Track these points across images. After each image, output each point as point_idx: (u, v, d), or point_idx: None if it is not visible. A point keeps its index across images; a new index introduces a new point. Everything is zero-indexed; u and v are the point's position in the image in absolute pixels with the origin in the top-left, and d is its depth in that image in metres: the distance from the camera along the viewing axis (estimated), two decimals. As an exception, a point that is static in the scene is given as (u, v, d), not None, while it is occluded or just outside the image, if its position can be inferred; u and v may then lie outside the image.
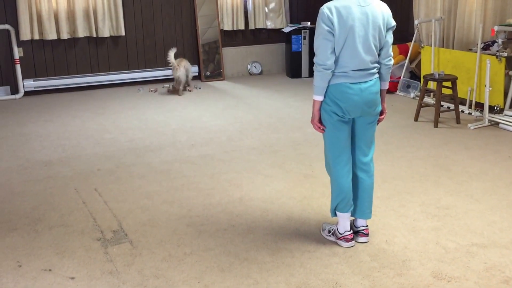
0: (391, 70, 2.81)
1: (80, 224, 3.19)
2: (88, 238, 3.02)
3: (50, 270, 2.69)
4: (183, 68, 6.70)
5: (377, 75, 2.72)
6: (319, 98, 2.68)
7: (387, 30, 2.68)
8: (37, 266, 2.73)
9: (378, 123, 2.85)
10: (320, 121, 2.75)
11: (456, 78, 5.20)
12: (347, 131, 2.74)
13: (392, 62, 2.76)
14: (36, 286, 2.55)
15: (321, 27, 2.59)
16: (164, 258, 2.78)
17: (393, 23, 2.70)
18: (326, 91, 2.66)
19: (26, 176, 4.00)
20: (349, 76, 2.63)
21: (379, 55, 2.70)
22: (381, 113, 2.84)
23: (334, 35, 2.58)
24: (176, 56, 6.66)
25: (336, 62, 2.62)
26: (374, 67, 2.69)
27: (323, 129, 2.75)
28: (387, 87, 2.83)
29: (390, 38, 2.70)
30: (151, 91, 6.88)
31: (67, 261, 2.77)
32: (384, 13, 2.65)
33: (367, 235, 2.90)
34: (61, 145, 4.77)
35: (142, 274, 2.63)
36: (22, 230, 3.13)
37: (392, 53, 2.74)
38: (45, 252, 2.87)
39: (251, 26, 7.75)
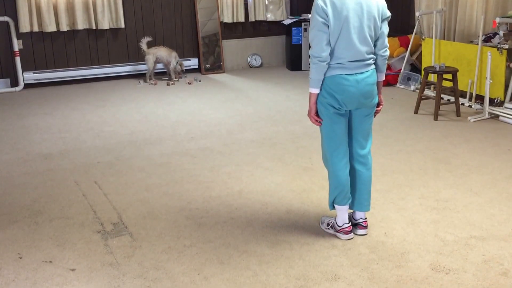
0: (387, 61, 2.80)
1: (80, 217, 3.20)
2: (88, 230, 3.03)
3: (50, 262, 2.71)
4: (151, 56, 6.75)
5: (373, 66, 2.71)
6: (315, 90, 2.68)
7: (382, 20, 2.67)
8: (38, 258, 2.74)
9: (375, 115, 2.84)
10: (317, 114, 2.75)
11: (457, 71, 5.19)
12: (344, 123, 2.74)
13: (388, 53, 2.74)
14: (37, 277, 2.57)
15: (315, 19, 2.58)
16: (164, 250, 2.79)
17: (388, 13, 2.69)
18: (322, 83, 2.66)
19: (26, 169, 4.01)
20: (345, 68, 2.62)
21: (375, 46, 2.69)
22: (378, 105, 2.83)
23: (329, 27, 2.57)
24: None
25: (331, 53, 2.61)
26: (370, 58, 2.68)
27: (320, 122, 2.75)
28: (384, 79, 2.82)
29: (385, 28, 2.69)
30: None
31: (67, 253, 2.79)
32: (379, 4, 2.64)
33: (366, 227, 2.91)
34: (61, 137, 4.77)
35: (142, 266, 2.65)
36: (22, 222, 3.14)
37: (388, 44, 2.73)
38: (46, 244, 2.88)
39: (251, 19, 7.72)
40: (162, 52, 6.89)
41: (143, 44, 6.82)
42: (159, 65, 7.08)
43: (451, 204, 3.27)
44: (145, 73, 7.04)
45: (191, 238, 2.91)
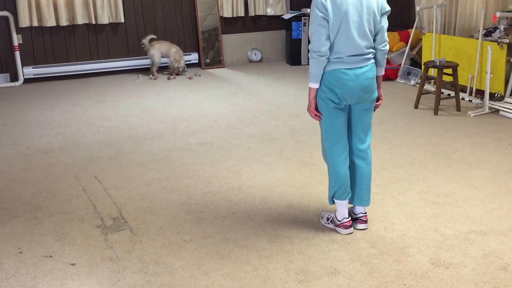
0: (386, 56, 2.80)
1: (80, 211, 3.20)
2: (88, 225, 3.03)
3: (50, 256, 2.71)
4: (156, 50, 6.74)
5: (372, 61, 2.71)
6: (315, 85, 2.67)
7: (382, 15, 2.67)
8: (38, 252, 2.75)
9: (374, 110, 2.84)
10: (316, 108, 2.74)
11: (457, 65, 5.18)
12: (343, 118, 2.74)
13: (387, 47, 2.74)
14: (37, 272, 2.58)
15: (315, 14, 2.58)
16: (163, 245, 2.80)
17: (388, 8, 2.69)
18: (321, 78, 2.66)
19: (26, 164, 4.01)
20: (344, 62, 2.62)
21: (374, 40, 2.69)
22: (378, 99, 2.83)
23: (328, 21, 2.56)
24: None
25: (331, 48, 2.61)
26: (370, 52, 2.68)
27: (319, 117, 2.75)
28: (383, 73, 2.82)
29: (385, 23, 2.69)
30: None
31: (67, 247, 2.79)
32: None
33: (366, 222, 2.91)
34: (61, 132, 4.77)
35: (142, 261, 2.65)
36: (22, 217, 3.14)
37: (387, 38, 2.73)
38: (46, 238, 2.88)
39: (251, 13, 7.70)
40: (164, 47, 6.87)
41: (146, 41, 6.78)
42: (162, 59, 7.06)
43: (451, 199, 3.27)
44: (144, 68, 7.03)
45: (191, 233, 2.92)
